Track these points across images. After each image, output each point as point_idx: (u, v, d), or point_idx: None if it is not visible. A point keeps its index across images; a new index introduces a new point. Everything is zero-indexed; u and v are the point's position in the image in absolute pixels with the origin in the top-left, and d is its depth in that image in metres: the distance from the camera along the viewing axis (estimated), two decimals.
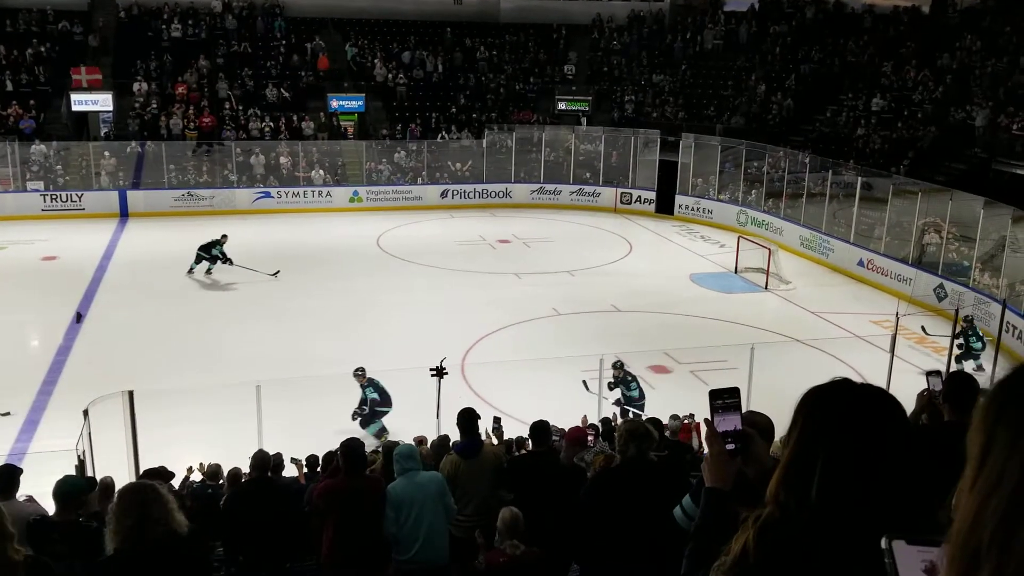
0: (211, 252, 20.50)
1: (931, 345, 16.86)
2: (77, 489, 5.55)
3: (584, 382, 13.16)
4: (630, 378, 13.19)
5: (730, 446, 2.04)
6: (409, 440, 8.75)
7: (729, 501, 1.98)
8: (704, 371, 14.72)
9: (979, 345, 15.78)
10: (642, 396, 13.14)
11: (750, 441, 2.06)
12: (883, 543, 1.28)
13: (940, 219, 20.20)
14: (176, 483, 9.12)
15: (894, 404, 1.69)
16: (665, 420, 10.14)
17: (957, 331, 15.63)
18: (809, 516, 1.58)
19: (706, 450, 2.09)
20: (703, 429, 2.18)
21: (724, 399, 2.08)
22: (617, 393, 13.11)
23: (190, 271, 20.67)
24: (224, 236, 20.71)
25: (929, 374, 4.93)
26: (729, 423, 2.06)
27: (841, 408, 1.66)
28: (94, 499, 6.73)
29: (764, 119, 30.19)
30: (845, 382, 1.72)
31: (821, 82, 30.20)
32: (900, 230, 21.49)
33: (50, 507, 5.98)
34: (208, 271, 20.70)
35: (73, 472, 8.26)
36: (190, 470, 9.67)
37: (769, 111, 30.36)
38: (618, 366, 13.18)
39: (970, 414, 1.09)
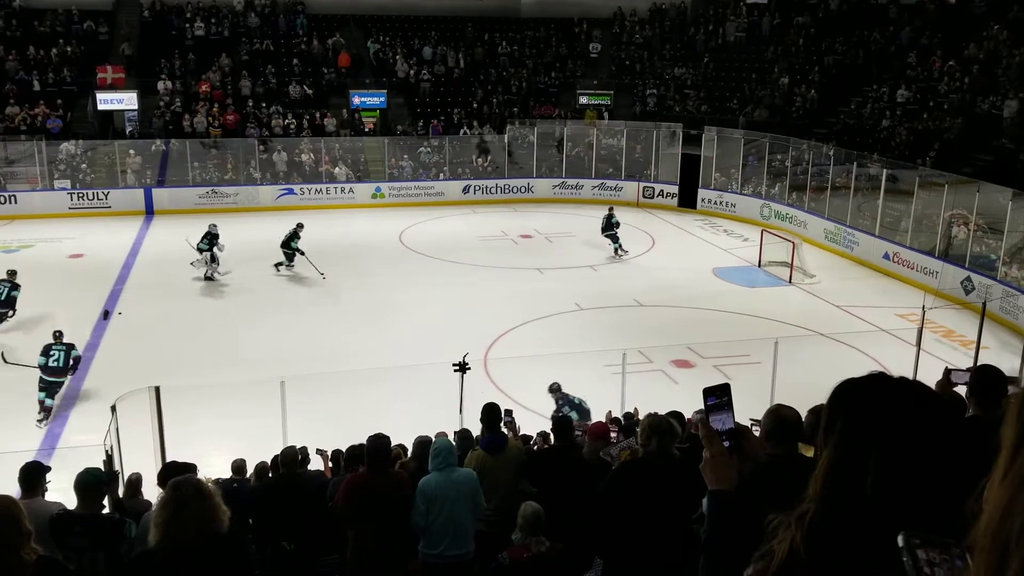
0: (614, 229, 22.58)
1: (958, 339, 16.68)
2: (97, 481, 5.59)
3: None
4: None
5: (725, 443, 2.03)
6: (430, 434, 8.77)
7: (735, 502, 1.96)
8: (728, 365, 14.65)
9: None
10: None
11: (743, 437, 2.05)
12: (900, 542, 1.27)
13: (967, 211, 19.94)
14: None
15: (936, 396, 1.67)
16: (688, 415, 10.10)
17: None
18: (864, 511, 1.54)
19: (705, 452, 2.06)
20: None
21: (717, 397, 2.07)
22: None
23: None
24: (613, 210, 23.33)
25: (950, 372, 4.88)
26: (723, 422, 2.05)
27: (890, 402, 1.61)
28: (116, 491, 6.79)
29: (787, 111, 29.94)
30: (882, 376, 1.68)
31: (845, 73, 29.89)
32: (926, 223, 21.25)
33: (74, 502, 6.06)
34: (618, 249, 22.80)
35: (101, 467, 8.36)
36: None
37: (793, 103, 30.10)
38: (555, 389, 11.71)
39: (996, 410, 1.09)
